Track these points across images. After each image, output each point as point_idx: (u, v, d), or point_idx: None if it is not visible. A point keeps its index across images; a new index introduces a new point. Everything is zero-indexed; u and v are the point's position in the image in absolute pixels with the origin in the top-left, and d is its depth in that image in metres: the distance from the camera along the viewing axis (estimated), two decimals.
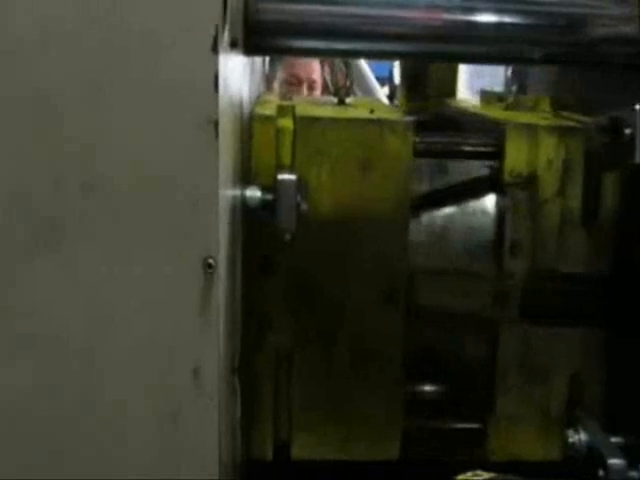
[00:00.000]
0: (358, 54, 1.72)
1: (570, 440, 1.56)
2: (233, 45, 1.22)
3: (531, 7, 1.57)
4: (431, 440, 1.86)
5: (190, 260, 1.08)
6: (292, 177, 1.45)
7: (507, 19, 1.56)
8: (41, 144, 1.06)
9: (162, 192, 1.07)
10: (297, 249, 1.68)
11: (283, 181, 1.45)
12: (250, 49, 1.46)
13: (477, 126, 1.95)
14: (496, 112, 2.01)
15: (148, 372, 1.12)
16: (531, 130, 1.72)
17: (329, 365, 1.76)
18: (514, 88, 2.16)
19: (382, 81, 4.32)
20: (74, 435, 1.13)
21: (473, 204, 1.80)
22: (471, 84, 3.72)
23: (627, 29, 1.58)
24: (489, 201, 1.80)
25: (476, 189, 1.82)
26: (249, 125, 1.68)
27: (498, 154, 1.74)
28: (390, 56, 1.82)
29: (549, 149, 1.72)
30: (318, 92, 3.29)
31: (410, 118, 1.77)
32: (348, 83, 1.94)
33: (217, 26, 1.04)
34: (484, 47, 1.59)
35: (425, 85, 2.33)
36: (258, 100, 1.96)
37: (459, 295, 1.79)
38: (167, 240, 1.08)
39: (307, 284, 1.73)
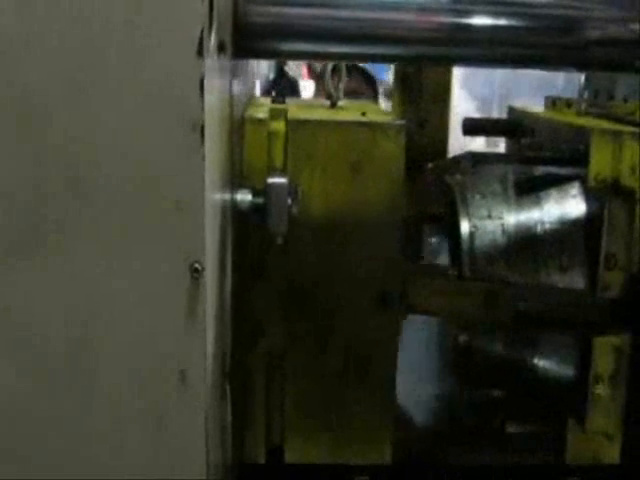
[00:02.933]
0: (349, 57, 1.71)
1: None
2: (221, 48, 1.21)
3: (525, 10, 1.56)
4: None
5: (176, 264, 1.08)
6: (283, 180, 1.44)
7: (501, 22, 1.55)
8: (25, 145, 1.06)
9: (146, 196, 1.07)
10: (289, 252, 1.68)
11: (274, 184, 1.44)
12: (240, 52, 1.46)
13: (554, 132, 1.97)
14: (572, 118, 2.03)
15: (134, 375, 1.12)
16: (616, 136, 1.73)
17: (321, 369, 1.75)
18: (586, 94, 2.16)
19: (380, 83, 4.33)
20: (58, 436, 1.13)
21: (561, 212, 1.78)
22: (465, 83, 3.73)
23: (620, 31, 1.58)
24: (578, 209, 1.79)
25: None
26: (241, 128, 1.67)
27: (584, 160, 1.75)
28: (382, 59, 1.81)
29: (633, 154, 1.72)
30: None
31: (402, 121, 1.77)
32: (340, 86, 1.94)
33: (202, 30, 1.04)
34: (478, 50, 1.58)
35: (419, 87, 2.33)
36: (251, 102, 1.96)
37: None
38: (152, 244, 1.08)
39: (299, 287, 1.73)
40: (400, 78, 2.37)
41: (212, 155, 1.13)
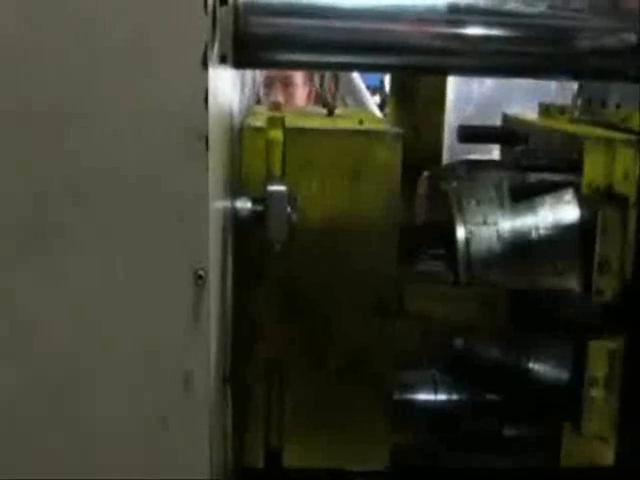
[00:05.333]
0: (347, 67, 1.74)
1: None
2: (222, 60, 1.24)
3: (519, 20, 1.58)
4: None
5: (180, 271, 1.10)
6: (282, 188, 1.46)
7: (496, 32, 1.57)
8: (29, 155, 1.08)
9: (152, 205, 1.09)
10: (287, 259, 1.70)
11: (273, 192, 1.46)
12: (240, 63, 1.48)
13: (548, 139, 1.99)
14: (565, 125, 2.05)
15: (139, 380, 1.14)
16: (609, 143, 1.75)
17: (320, 373, 1.77)
18: (579, 101, 2.17)
19: (373, 90, 4.34)
20: (65, 439, 1.15)
21: (556, 218, 1.81)
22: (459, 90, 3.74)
23: (613, 41, 1.60)
24: (573, 215, 1.80)
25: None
26: (240, 136, 1.69)
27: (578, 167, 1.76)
28: (379, 69, 1.83)
29: (626, 161, 1.74)
30: (296, 89, 3.31)
31: (399, 129, 1.79)
32: (337, 95, 1.96)
33: (206, 42, 1.06)
34: (473, 60, 1.60)
35: (414, 94, 2.34)
36: (249, 111, 1.98)
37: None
38: (158, 252, 1.10)
39: (298, 293, 1.74)
40: (396, 84, 2.39)
41: (215, 164, 1.15)
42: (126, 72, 1.06)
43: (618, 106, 2.04)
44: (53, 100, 1.07)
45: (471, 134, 2.33)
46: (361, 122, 1.84)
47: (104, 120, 1.07)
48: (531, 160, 1.89)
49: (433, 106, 2.36)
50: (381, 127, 1.82)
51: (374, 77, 4.48)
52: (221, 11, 1.18)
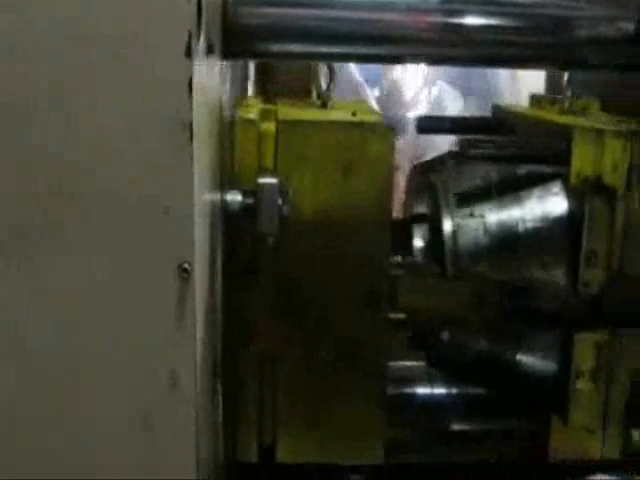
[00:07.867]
0: (340, 58, 1.72)
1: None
2: (209, 50, 1.22)
3: (514, 9, 1.57)
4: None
5: (165, 265, 1.08)
6: (273, 181, 1.45)
7: (491, 21, 1.56)
8: (10, 150, 1.06)
9: (135, 195, 1.07)
10: (280, 253, 1.68)
11: (264, 185, 1.44)
12: (229, 53, 1.46)
13: (537, 130, 1.99)
14: (555, 116, 2.04)
15: (124, 376, 1.12)
16: (597, 134, 1.74)
17: (313, 368, 1.76)
18: (569, 92, 2.16)
19: (372, 83, 4.32)
20: (52, 436, 1.14)
21: (543, 210, 1.80)
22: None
23: (610, 30, 1.58)
24: (560, 207, 1.80)
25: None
26: (231, 129, 1.68)
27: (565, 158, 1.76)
28: (372, 59, 1.81)
29: (615, 153, 1.73)
30: None
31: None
32: (331, 86, 1.93)
33: (190, 31, 1.04)
34: (468, 49, 1.59)
35: (276, 82, 2.23)
36: (241, 103, 1.96)
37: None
38: (141, 245, 1.08)
39: (290, 287, 1.73)
40: (259, 74, 2.28)
41: (201, 155, 1.14)
42: (108, 62, 1.05)
43: None
44: (33, 92, 1.05)
45: (459, 125, 2.31)
46: (354, 114, 1.82)
47: (84, 112, 1.06)
48: (519, 151, 1.87)
49: (298, 94, 2.22)
50: (375, 119, 1.80)
51: (373, 70, 4.45)
52: (207, 0, 1.16)
